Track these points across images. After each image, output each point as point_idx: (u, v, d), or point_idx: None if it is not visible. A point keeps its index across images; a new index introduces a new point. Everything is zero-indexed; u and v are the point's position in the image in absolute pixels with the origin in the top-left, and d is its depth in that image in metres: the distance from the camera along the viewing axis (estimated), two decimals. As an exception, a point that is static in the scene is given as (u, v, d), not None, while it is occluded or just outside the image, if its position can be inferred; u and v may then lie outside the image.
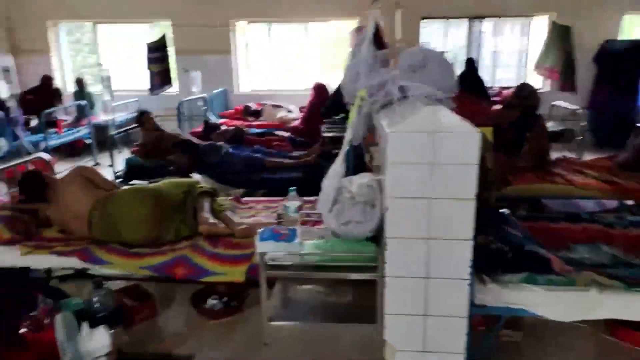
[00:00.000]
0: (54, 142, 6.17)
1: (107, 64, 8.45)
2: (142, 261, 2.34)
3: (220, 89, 7.72)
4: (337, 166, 2.10)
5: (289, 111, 7.48)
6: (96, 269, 2.39)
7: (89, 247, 2.42)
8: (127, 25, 8.42)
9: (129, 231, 2.50)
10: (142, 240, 2.50)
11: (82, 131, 6.89)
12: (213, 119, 6.69)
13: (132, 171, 4.29)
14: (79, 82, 7.51)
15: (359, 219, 1.94)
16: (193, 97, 6.35)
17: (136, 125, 4.58)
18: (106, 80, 5.06)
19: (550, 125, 5.14)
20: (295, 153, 4.84)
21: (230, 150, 4.45)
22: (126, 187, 2.70)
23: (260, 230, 2.04)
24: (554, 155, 4.02)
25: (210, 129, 5.78)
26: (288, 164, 4.31)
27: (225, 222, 2.66)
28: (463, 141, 1.65)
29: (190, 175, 3.43)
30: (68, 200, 2.62)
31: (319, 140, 5.36)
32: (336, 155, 4.50)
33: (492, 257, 1.98)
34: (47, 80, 7.51)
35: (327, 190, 2.09)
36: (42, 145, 5.89)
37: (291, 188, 2.18)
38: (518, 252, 2.05)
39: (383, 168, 1.88)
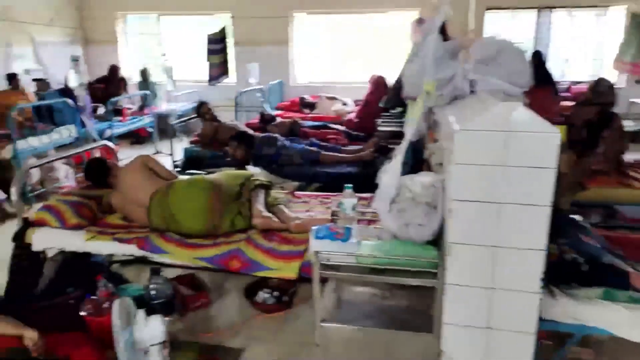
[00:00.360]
0: (118, 130, 6.43)
1: (169, 54, 8.72)
2: (198, 252, 2.35)
3: (276, 81, 7.76)
4: (396, 163, 2.01)
5: (345, 104, 7.40)
6: (154, 257, 2.43)
7: (148, 235, 2.47)
8: (189, 17, 8.62)
9: (186, 221, 2.52)
10: (199, 230, 2.52)
11: (145, 120, 7.14)
12: (269, 111, 6.73)
13: (190, 161, 4.37)
14: (144, 73, 7.78)
15: (420, 221, 1.84)
16: (250, 88, 6.40)
17: (196, 115, 4.66)
18: (168, 71, 5.20)
19: (628, 125, 4.75)
20: (351, 147, 4.76)
21: (286, 142, 4.44)
22: (184, 177, 2.73)
23: (315, 228, 1.98)
24: (632, 157, 3.71)
25: (266, 121, 5.80)
26: (343, 158, 4.23)
27: (279, 216, 2.64)
28: (541, 142, 1.51)
29: (246, 167, 3.43)
30: (130, 188, 2.68)
31: (374, 134, 5.26)
32: (392, 150, 4.41)
33: (566, 269, 1.82)
34: (113, 70, 7.84)
35: (386, 188, 2.00)
36: (108, 132, 6.14)
37: (347, 185, 2.11)
38: (594, 264, 1.87)
39: (446, 168, 1.77)
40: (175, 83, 5.70)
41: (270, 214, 2.58)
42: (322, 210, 2.87)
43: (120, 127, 6.57)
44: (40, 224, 2.59)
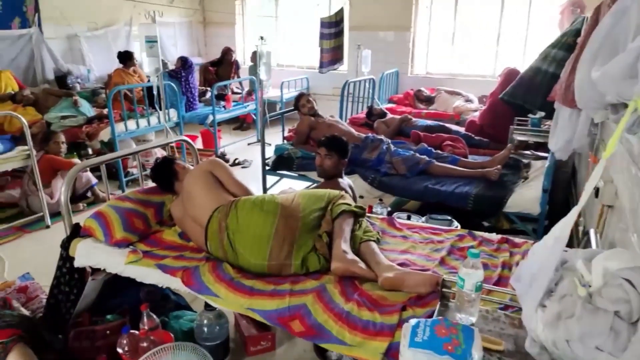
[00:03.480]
0: (220, 116, 6.18)
1: (284, 38, 8.38)
2: (254, 302, 1.77)
3: (392, 70, 6.98)
4: (556, 230, 1.20)
5: (468, 100, 6.40)
6: (201, 297, 1.90)
7: (199, 267, 1.95)
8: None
9: (245, 254, 1.96)
10: (258, 267, 1.94)
11: (250, 106, 6.86)
12: (379, 104, 6.01)
13: (280, 159, 3.85)
14: (254, 56, 7.49)
15: (599, 341, 1.04)
16: (361, 78, 5.72)
17: (293, 108, 4.12)
18: (266, 57, 4.73)
19: None
20: (472, 158, 3.88)
21: (391, 146, 3.71)
22: (253, 196, 2.14)
23: (410, 323, 1.24)
24: None
25: (373, 115, 5.12)
26: (461, 173, 3.39)
27: (367, 258, 1.96)
28: None
29: (338, 180, 2.78)
30: (188, 199, 2.19)
31: (504, 142, 4.28)
32: (525, 167, 3.44)
33: None
34: (226, 52, 7.68)
35: (537, 267, 1.21)
36: (210, 118, 5.92)
37: (472, 252, 1.34)
38: None
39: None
40: (270, 71, 5.18)
41: (355, 258, 1.91)
42: (426, 253, 2.13)
43: (223, 113, 6.32)
44: (87, 233, 2.21)
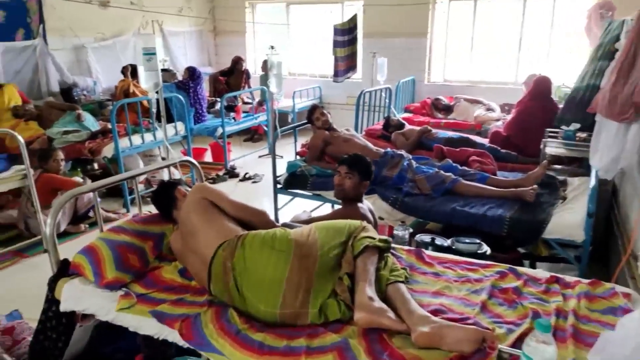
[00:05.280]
0: (230, 128, 5.95)
1: (295, 46, 8.16)
2: (262, 361, 1.49)
3: (408, 78, 6.70)
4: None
5: (489, 109, 6.08)
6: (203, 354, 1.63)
7: (200, 315, 1.68)
8: (319, 6, 7.92)
9: (254, 299, 1.68)
10: (270, 316, 1.66)
11: (261, 117, 6.62)
12: (396, 114, 5.72)
13: (293, 177, 3.58)
14: (265, 65, 7.27)
15: None
16: (377, 87, 5.45)
17: (306, 121, 3.86)
18: (277, 67, 4.46)
19: None
20: (500, 173, 3.57)
21: (414, 162, 3.42)
22: (263, 231, 1.85)
23: None
24: None
25: (391, 126, 4.83)
26: (491, 192, 3.09)
27: (397, 305, 1.66)
28: None
29: (358, 205, 2.50)
30: (188, 232, 1.93)
31: (533, 155, 3.97)
32: (562, 186, 3.10)
33: None
34: (236, 62, 7.47)
35: (630, 348, 0.92)
36: (219, 131, 5.69)
37: (540, 322, 1.06)
38: None
39: None
40: (281, 82, 4.88)
41: (383, 306, 1.62)
42: (463, 295, 1.83)
43: (233, 125, 6.08)
44: (76, 271, 1.95)
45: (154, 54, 2.57)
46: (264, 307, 1.67)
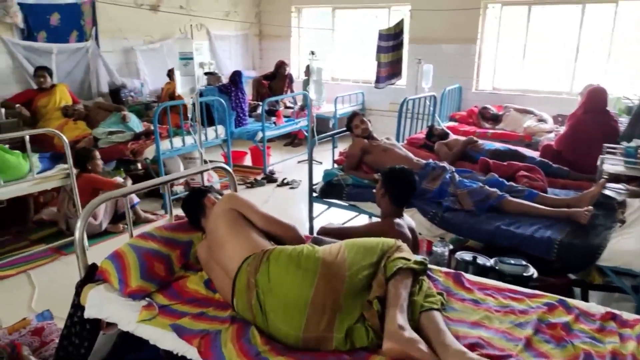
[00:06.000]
0: (270, 132, 5.93)
1: (340, 51, 8.08)
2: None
3: (454, 85, 6.47)
4: None
5: (541, 120, 5.76)
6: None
7: (219, 334, 1.60)
8: (365, 11, 7.81)
9: (277, 320, 1.59)
10: (292, 338, 1.57)
11: (302, 122, 6.57)
12: (440, 123, 5.52)
13: (329, 186, 3.48)
14: (307, 70, 7.23)
15: None
16: (421, 95, 5.26)
17: (345, 129, 3.75)
18: (316, 73, 4.38)
19: None
20: (552, 191, 3.33)
21: (456, 175, 3.25)
22: (290, 247, 1.75)
23: None
24: None
25: (434, 136, 4.65)
26: (540, 211, 2.87)
27: (430, 337, 1.53)
28: None
29: (394, 221, 2.36)
30: (215, 243, 1.86)
31: (587, 172, 3.69)
32: (619, 207, 2.83)
33: None
34: (279, 66, 7.47)
35: None
36: (259, 135, 5.68)
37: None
38: None
39: None
40: (321, 89, 4.76)
41: (414, 336, 1.49)
42: (505, 329, 1.67)
43: (273, 129, 6.06)
44: (102, 277, 1.93)
45: (191, 58, 2.55)
46: (286, 329, 1.58)
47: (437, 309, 1.66)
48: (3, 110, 4.54)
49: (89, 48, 5.72)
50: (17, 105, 4.71)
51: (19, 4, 4.96)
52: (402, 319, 1.53)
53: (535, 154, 4.22)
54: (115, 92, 5.97)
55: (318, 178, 3.63)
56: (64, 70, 5.52)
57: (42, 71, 4.90)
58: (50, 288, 3.09)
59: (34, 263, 3.40)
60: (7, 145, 3.41)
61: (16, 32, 5.11)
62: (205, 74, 7.21)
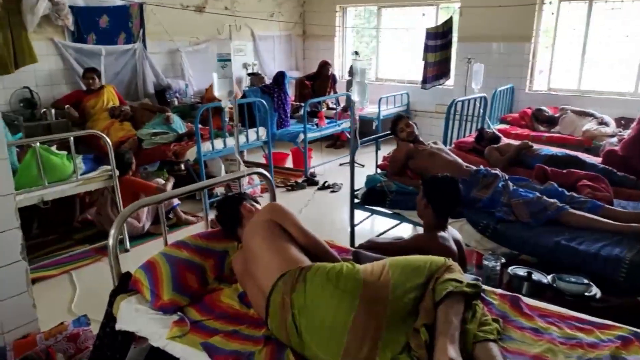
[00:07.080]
0: (312, 134, 5.82)
1: (385, 51, 7.89)
2: None
3: (507, 86, 6.13)
4: None
5: (602, 123, 5.35)
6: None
7: (252, 357, 1.49)
8: (411, 9, 7.58)
9: (312, 344, 1.46)
10: (330, 366, 1.43)
11: (345, 124, 6.42)
12: (491, 125, 5.23)
13: (371, 192, 3.32)
14: (351, 70, 7.07)
15: None
16: (470, 96, 5.00)
17: (389, 132, 3.58)
18: (360, 74, 4.21)
19: None
20: (618, 203, 3.03)
21: (510, 183, 3.01)
22: (329, 265, 1.60)
23: None
24: None
25: (484, 140, 4.38)
26: (606, 226, 2.60)
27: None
28: None
29: (438, 234, 2.18)
30: (250, 256, 1.76)
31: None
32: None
33: None
34: (322, 66, 7.36)
35: None
36: (301, 136, 5.59)
37: None
38: None
39: None
40: (365, 91, 4.59)
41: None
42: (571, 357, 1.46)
43: (315, 131, 5.95)
44: (135, 287, 1.87)
45: (229, 60, 2.47)
46: (323, 355, 1.45)
47: (493, 340, 1.48)
48: (53, 110, 4.67)
49: (136, 49, 5.80)
50: (67, 106, 4.83)
51: (70, 6, 5.08)
52: (453, 350, 1.37)
53: (596, 161, 3.90)
54: (161, 93, 6.04)
55: (360, 182, 3.47)
56: (112, 71, 5.63)
57: (90, 73, 5.00)
58: (90, 289, 3.10)
59: (77, 263, 3.43)
60: (54, 146, 3.47)
61: (67, 34, 5.25)
62: (249, 74, 7.22)
